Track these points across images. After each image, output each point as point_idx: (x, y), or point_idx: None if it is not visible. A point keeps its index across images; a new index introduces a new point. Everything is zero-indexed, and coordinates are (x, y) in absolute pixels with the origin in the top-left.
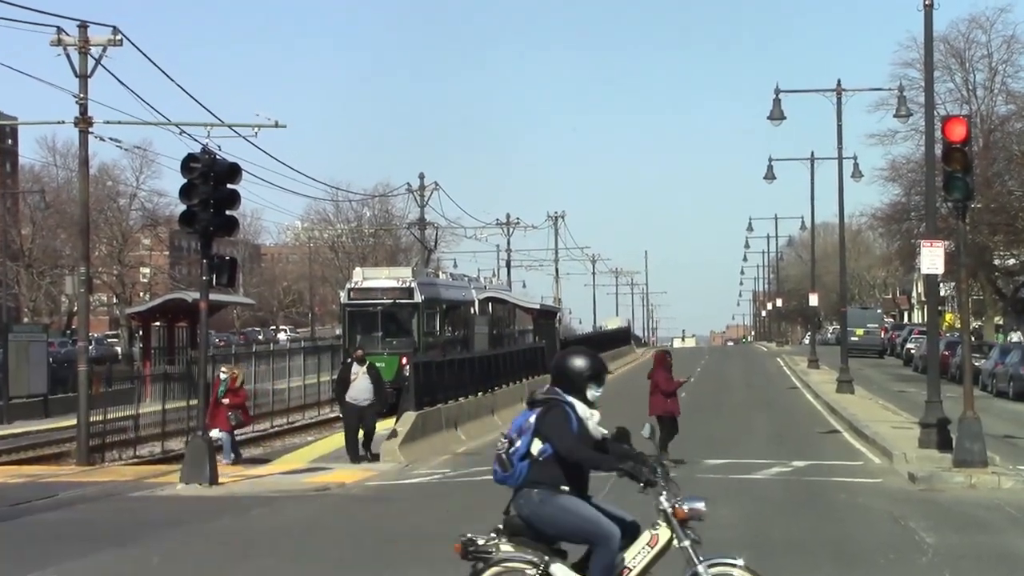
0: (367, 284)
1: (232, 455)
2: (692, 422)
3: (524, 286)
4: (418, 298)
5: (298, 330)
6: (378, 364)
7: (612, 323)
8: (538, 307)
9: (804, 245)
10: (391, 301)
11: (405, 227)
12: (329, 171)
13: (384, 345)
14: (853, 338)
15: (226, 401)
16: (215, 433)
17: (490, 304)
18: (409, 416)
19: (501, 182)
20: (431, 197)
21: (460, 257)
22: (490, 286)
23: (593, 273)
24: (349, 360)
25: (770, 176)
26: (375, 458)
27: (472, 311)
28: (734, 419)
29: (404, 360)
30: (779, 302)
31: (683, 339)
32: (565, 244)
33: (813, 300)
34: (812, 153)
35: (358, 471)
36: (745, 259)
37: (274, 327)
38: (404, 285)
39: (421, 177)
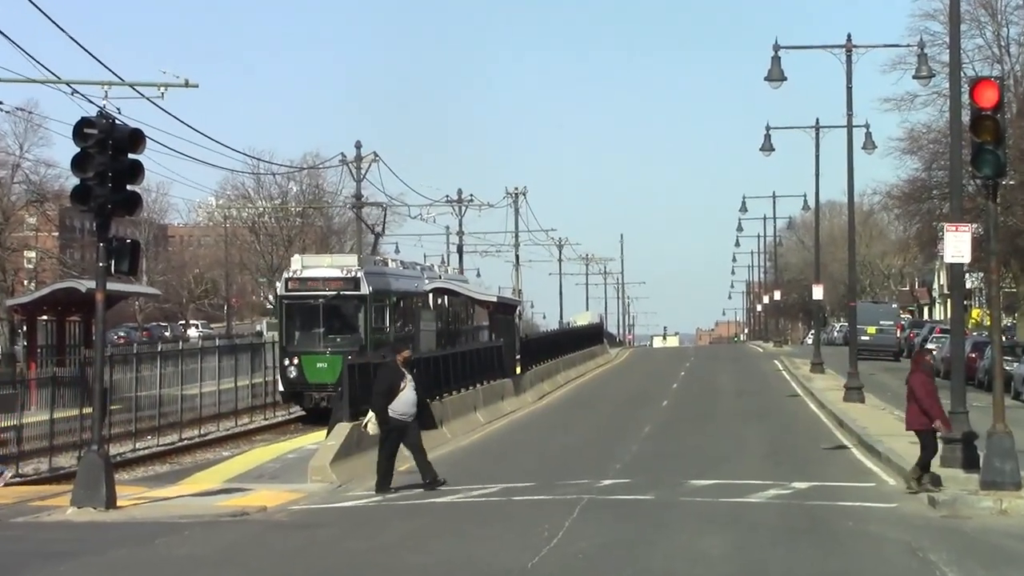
0: (307, 273)
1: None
2: (674, 436)
3: (479, 275)
4: (365, 289)
5: (212, 325)
6: (319, 364)
7: (582, 318)
8: (495, 299)
9: (807, 228)
10: (334, 293)
11: (340, 205)
12: (249, 139)
13: (327, 343)
14: (864, 337)
15: None
16: None
17: (438, 296)
18: (343, 428)
19: (451, 155)
20: (369, 170)
21: (404, 240)
22: (445, 275)
23: (560, 260)
24: (388, 359)
25: (768, 147)
26: (441, 483)
27: (420, 305)
28: (723, 432)
29: (350, 359)
30: (777, 295)
31: (664, 338)
32: (527, 226)
33: (817, 293)
34: (817, 121)
35: (283, 492)
36: (738, 244)
37: (183, 322)
38: (349, 275)
39: (358, 147)
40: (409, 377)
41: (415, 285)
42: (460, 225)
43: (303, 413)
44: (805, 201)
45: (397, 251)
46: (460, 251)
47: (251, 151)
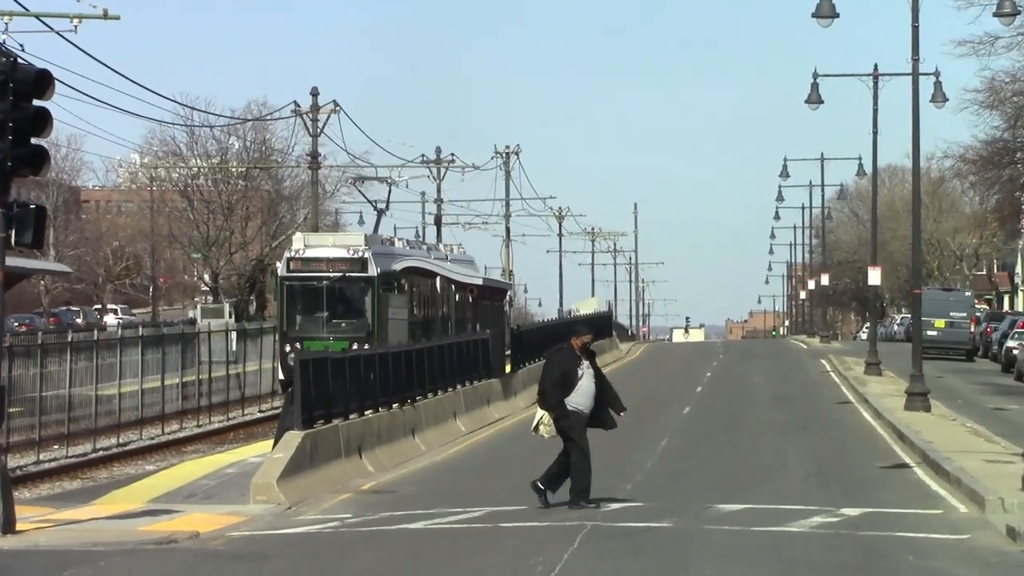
0: (310, 253)
1: None
2: (697, 450)
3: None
4: (373, 271)
5: (135, 311)
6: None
7: (586, 306)
8: (480, 282)
9: (862, 198)
10: (339, 275)
11: (293, 165)
12: (182, 84)
13: (330, 329)
14: (931, 332)
15: None
16: None
17: (411, 278)
18: (293, 438)
19: (428, 107)
20: (328, 123)
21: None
22: (452, 256)
23: (559, 234)
24: (556, 347)
25: (815, 99)
26: (592, 505)
27: (436, 288)
28: (757, 447)
29: (355, 348)
30: (825, 279)
31: (686, 330)
32: (520, 193)
33: (874, 277)
34: (875, 67)
35: (220, 515)
36: (777, 217)
37: (99, 306)
38: (355, 255)
39: (314, 95)
40: (587, 364)
41: (428, 268)
42: (438, 191)
43: (245, 419)
44: (860, 165)
45: (361, 222)
46: (438, 222)
47: (184, 98)
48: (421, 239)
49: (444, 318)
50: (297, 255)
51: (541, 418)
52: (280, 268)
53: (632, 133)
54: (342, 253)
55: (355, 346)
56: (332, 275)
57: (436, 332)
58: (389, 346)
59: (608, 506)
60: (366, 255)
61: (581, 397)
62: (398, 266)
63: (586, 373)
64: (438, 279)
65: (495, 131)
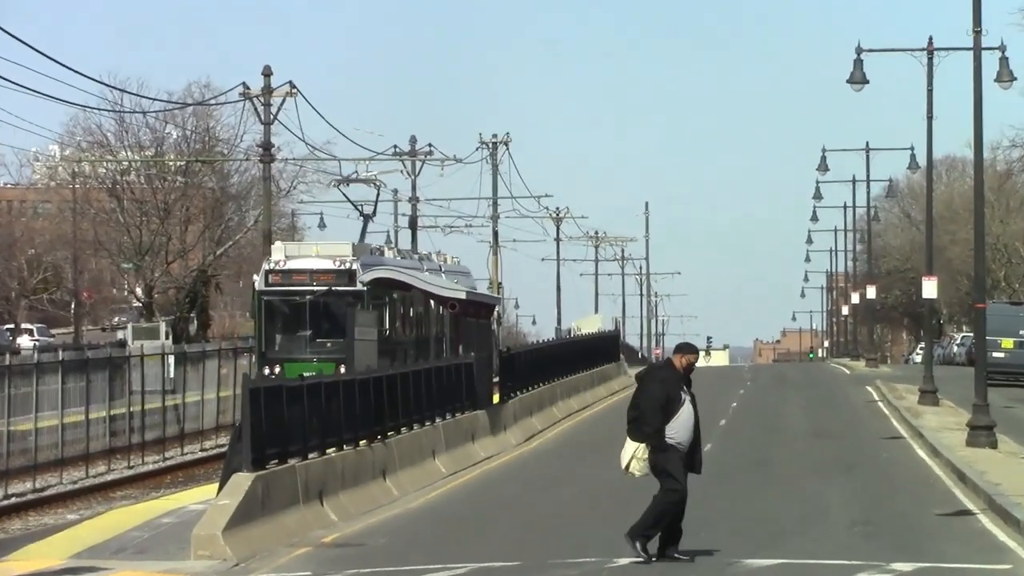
0: (292, 265)
1: None
2: (720, 495)
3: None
4: (362, 284)
5: (53, 332)
6: (307, 374)
7: (589, 324)
8: (463, 296)
9: (915, 196)
10: (324, 288)
11: (242, 158)
12: (109, 61)
13: (314, 349)
14: (997, 354)
15: None
16: None
17: (382, 292)
18: (242, 481)
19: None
20: (283, 109)
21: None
22: (447, 267)
23: (557, 239)
24: (657, 364)
25: (859, 79)
26: (686, 559)
27: (411, 303)
28: (792, 490)
29: (342, 369)
30: (872, 292)
31: (708, 352)
32: (510, 191)
33: (929, 289)
34: (930, 41)
35: (155, 574)
36: (815, 219)
37: (12, 326)
38: (342, 267)
39: (267, 75)
40: (686, 389)
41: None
42: (413, 188)
43: (185, 459)
44: (912, 157)
45: (322, 225)
46: (413, 225)
47: (112, 79)
48: (393, 244)
49: (420, 338)
50: (277, 267)
51: (635, 452)
52: (258, 281)
53: (642, 121)
54: (327, 264)
55: (343, 368)
56: (316, 289)
57: (411, 355)
58: (356, 372)
59: (616, 562)
60: (354, 266)
61: (681, 429)
62: (366, 277)
63: (687, 400)
64: (413, 292)
65: (480, 118)
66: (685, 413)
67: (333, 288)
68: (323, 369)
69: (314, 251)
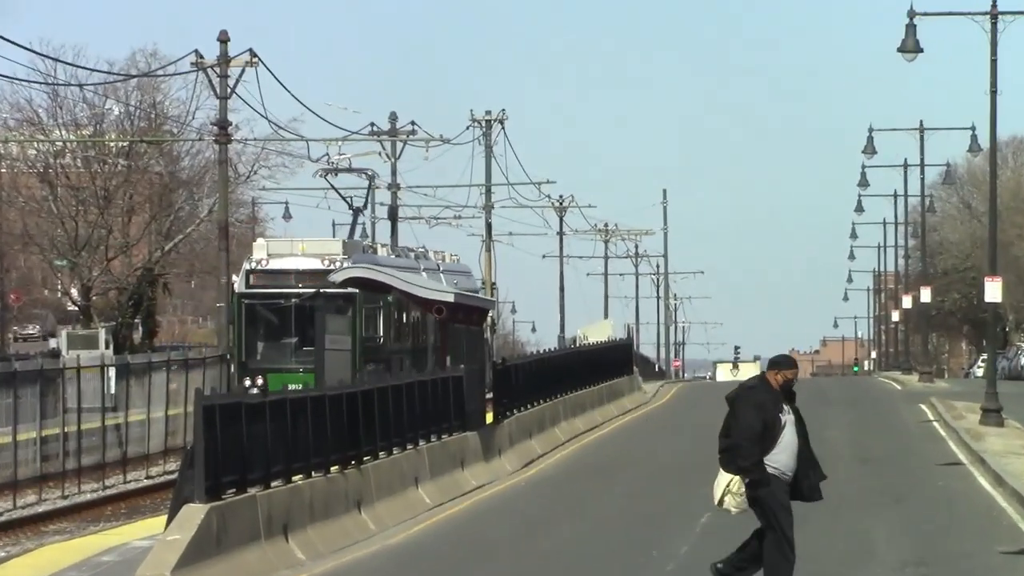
0: (275, 264)
1: None
2: (750, 529)
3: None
4: (334, 285)
5: None
6: (292, 386)
7: (598, 331)
8: (450, 299)
9: (976, 184)
10: (312, 291)
11: (195, 138)
12: (42, 27)
13: (300, 358)
14: None
15: None
16: None
17: (356, 293)
18: (194, 513)
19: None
20: (242, 79)
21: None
22: (446, 266)
23: (560, 233)
24: (748, 384)
25: (911, 47)
26: None
27: (390, 307)
28: (835, 526)
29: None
30: (926, 295)
31: (735, 365)
32: (506, 176)
33: (992, 292)
34: (994, 3)
35: None
36: (860, 210)
37: None
38: (331, 266)
39: (223, 41)
40: (788, 409)
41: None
42: (393, 172)
43: (128, 487)
44: (974, 138)
45: (286, 215)
46: (393, 216)
47: (44, 47)
48: (349, 233)
49: (403, 349)
50: (259, 267)
51: (729, 485)
52: (238, 283)
53: (660, 97)
54: (315, 264)
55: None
56: (302, 291)
57: (391, 366)
58: (327, 387)
59: None
60: (344, 266)
61: (783, 455)
62: (337, 277)
63: (788, 421)
64: (394, 295)
65: (471, 94)
66: (787, 438)
67: (321, 291)
68: (310, 381)
69: (300, 249)
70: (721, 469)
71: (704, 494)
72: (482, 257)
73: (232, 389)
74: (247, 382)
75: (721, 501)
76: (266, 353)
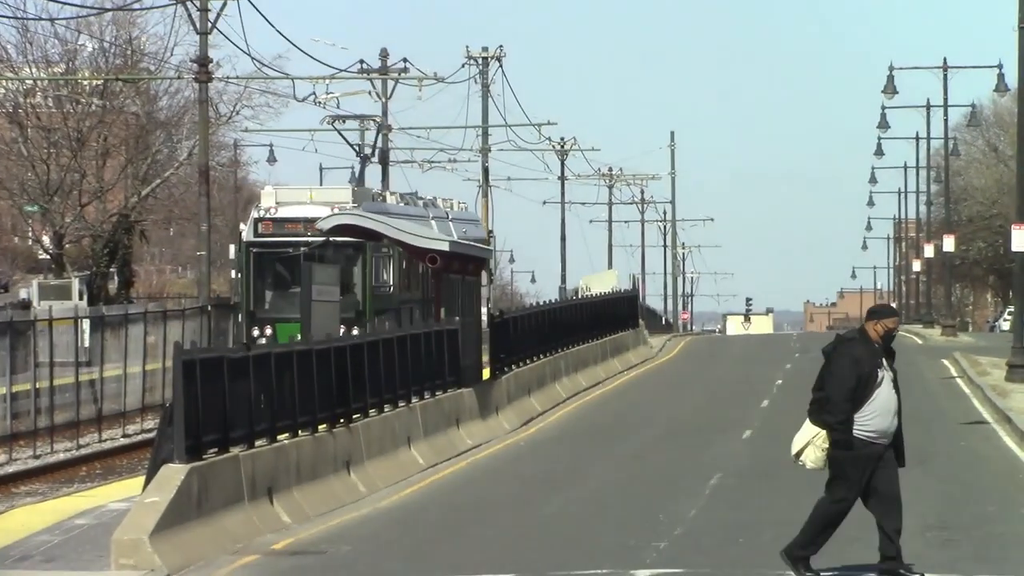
0: (283, 213)
1: None
2: (762, 493)
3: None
4: (320, 231)
5: None
6: (299, 338)
7: (601, 282)
8: (445, 247)
9: (1003, 125)
10: (322, 239)
11: (173, 76)
12: None
13: None
14: None
15: None
16: None
17: (344, 242)
18: (173, 474)
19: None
20: (224, 14)
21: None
22: (454, 214)
23: (562, 178)
24: (847, 336)
25: None
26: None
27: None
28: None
29: (355, 331)
30: (949, 243)
31: (747, 318)
32: (504, 118)
33: (1020, 241)
34: None
35: None
36: (880, 153)
37: None
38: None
39: None
40: (887, 366)
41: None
42: (384, 113)
43: (104, 447)
44: (1000, 76)
45: (271, 158)
46: (384, 159)
47: None
48: (357, 180)
49: (395, 299)
50: (267, 215)
51: (813, 438)
52: (245, 231)
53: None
54: (324, 212)
55: (341, 330)
56: (312, 240)
57: (380, 319)
58: (313, 341)
59: (633, 574)
60: (355, 214)
61: (877, 416)
62: (325, 224)
63: (886, 378)
64: (384, 242)
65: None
66: (883, 395)
67: (331, 239)
68: None
69: (308, 197)
70: (808, 420)
71: (711, 454)
72: (479, 203)
73: (242, 339)
74: (255, 332)
75: (800, 453)
76: (275, 303)
